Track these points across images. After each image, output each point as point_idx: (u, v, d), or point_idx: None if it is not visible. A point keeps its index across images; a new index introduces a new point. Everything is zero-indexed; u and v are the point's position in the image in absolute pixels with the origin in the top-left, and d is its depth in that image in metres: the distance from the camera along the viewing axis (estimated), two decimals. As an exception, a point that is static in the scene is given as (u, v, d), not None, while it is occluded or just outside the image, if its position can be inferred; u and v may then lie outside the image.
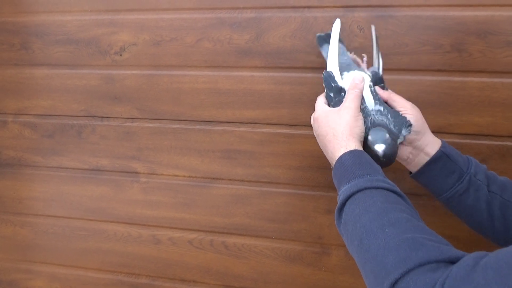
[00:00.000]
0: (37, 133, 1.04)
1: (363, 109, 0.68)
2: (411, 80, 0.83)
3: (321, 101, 0.72)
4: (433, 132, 0.84)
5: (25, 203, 1.08)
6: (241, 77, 0.91)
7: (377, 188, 0.56)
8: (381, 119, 0.67)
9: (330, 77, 0.72)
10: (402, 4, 0.81)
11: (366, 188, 0.56)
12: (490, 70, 0.80)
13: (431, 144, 0.69)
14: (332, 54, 0.73)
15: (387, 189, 0.57)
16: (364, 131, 0.66)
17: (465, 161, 0.68)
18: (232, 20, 0.89)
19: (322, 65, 0.86)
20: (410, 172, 0.72)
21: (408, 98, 0.83)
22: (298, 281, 0.95)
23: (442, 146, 0.68)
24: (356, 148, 0.63)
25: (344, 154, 0.62)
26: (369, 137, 0.65)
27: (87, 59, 0.98)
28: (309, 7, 0.85)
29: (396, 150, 0.66)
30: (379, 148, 0.63)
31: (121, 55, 0.96)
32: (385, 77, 0.84)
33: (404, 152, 0.70)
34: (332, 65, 0.73)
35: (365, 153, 0.62)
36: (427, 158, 0.68)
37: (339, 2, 0.84)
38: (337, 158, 0.62)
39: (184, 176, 0.98)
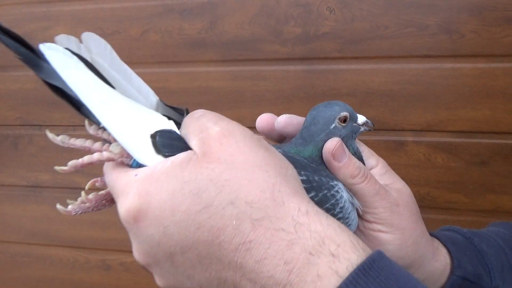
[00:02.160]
0: (-31, 146, 0.91)
1: None
2: (393, 69, 0.70)
3: (123, 173, 0.28)
4: (421, 131, 0.71)
5: (-40, 227, 0.95)
6: (194, 73, 0.78)
7: None
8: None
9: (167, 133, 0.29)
10: (379, -21, 0.68)
11: None
12: (487, 53, 0.66)
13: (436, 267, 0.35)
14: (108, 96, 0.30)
15: None
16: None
17: (485, 268, 0.38)
18: (181, 7, 0.76)
19: (289, 56, 0.73)
20: None
21: (390, 91, 0.70)
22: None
23: (455, 265, 0.35)
24: (358, 243, 0.24)
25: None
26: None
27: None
28: (269, -13, 0.72)
29: None
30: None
31: (57, 52, 0.83)
32: (363, 66, 0.71)
33: None
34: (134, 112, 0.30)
35: (385, 256, 0.24)
36: None
37: (304, -20, 0.71)
38: None
39: (135, 191, 0.84)
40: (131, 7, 0.78)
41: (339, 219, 0.30)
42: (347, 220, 0.31)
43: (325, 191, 0.30)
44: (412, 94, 0.69)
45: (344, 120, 0.34)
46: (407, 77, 0.69)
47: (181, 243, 0.24)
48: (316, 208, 0.25)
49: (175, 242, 0.24)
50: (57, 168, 0.32)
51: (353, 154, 0.34)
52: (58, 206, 0.32)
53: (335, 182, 0.32)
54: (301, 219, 0.23)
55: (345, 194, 0.32)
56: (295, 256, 0.22)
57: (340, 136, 0.34)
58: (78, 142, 0.32)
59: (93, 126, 0.32)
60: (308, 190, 0.28)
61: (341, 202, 0.31)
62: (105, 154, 0.30)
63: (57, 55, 0.29)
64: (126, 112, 0.28)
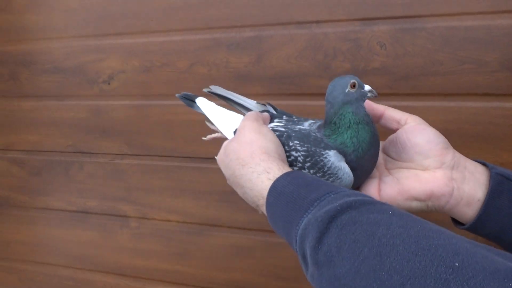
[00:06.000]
0: (24, 170, 0.95)
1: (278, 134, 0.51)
2: (448, 107, 0.66)
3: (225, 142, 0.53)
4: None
5: (12, 247, 0.99)
6: (240, 107, 0.77)
7: (369, 204, 0.35)
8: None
9: None
10: (434, 13, 0.65)
11: (352, 207, 0.34)
12: (555, 92, 0.61)
13: (471, 179, 0.45)
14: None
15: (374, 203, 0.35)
16: (283, 148, 0.49)
17: None
18: (229, 41, 0.76)
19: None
20: (456, 221, 0.48)
21: (445, 130, 0.66)
22: None
23: (490, 167, 0.46)
24: (285, 168, 0.43)
25: (278, 180, 0.41)
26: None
27: (75, 89, 0.88)
28: (318, 21, 0.71)
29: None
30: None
31: (109, 83, 0.85)
32: (415, 103, 0.67)
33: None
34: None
35: (305, 172, 0.45)
36: (476, 203, 0.44)
37: (354, 14, 0.69)
38: (266, 191, 0.41)
39: (178, 222, 0.84)
40: (180, 41, 0.79)
41: (329, 174, 0.47)
42: (335, 176, 0.47)
43: (316, 157, 0.48)
44: (470, 134, 0.65)
45: (353, 85, 0.48)
46: (464, 116, 0.65)
47: (227, 173, 0.50)
48: (276, 159, 0.45)
49: (226, 173, 0.50)
50: (203, 138, 0.63)
51: (363, 115, 0.48)
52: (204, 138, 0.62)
53: (326, 151, 0.47)
54: (260, 160, 0.45)
55: (332, 159, 0.47)
56: (252, 176, 0.44)
57: (353, 98, 0.47)
58: (213, 131, 0.62)
59: (209, 124, 0.61)
60: (305, 157, 0.48)
61: (328, 164, 0.47)
62: (221, 135, 0.59)
63: (201, 100, 0.60)
64: (226, 119, 0.57)
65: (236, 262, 0.81)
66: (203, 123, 0.81)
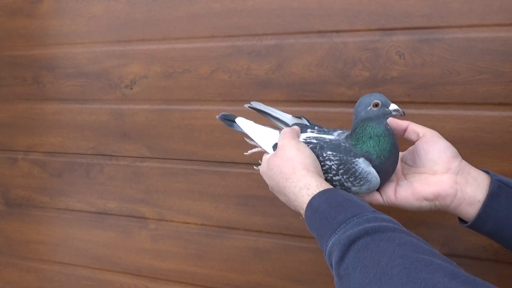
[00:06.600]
0: (45, 172, 0.97)
1: (311, 147, 0.58)
2: (465, 116, 0.68)
3: (265, 155, 0.61)
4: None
5: (32, 247, 1.01)
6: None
7: (383, 231, 0.42)
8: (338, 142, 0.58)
9: None
10: (452, 24, 0.67)
11: (368, 233, 0.42)
12: None
13: (472, 185, 0.52)
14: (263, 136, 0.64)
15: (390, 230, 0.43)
16: (318, 161, 0.56)
17: None
18: (250, 49, 0.78)
19: (355, 98, 0.73)
20: (462, 221, 0.55)
21: (462, 138, 0.68)
22: None
23: (492, 174, 0.53)
24: (322, 184, 0.51)
25: (314, 197, 0.49)
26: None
27: (97, 93, 0.91)
28: (338, 31, 0.73)
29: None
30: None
31: (131, 88, 0.88)
32: (433, 112, 0.69)
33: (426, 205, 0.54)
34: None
35: (338, 189, 0.50)
36: (473, 208, 0.52)
37: (373, 24, 0.71)
38: (305, 204, 0.50)
39: (196, 224, 0.86)
40: (202, 48, 0.82)
41: (360, 178, 0.54)
42: (365, 180, 0.54)
43: (348, 165, 0.54)
44: (486, 142, 0.67)
45: (376, 105, 0.53)
46: (481, 125, 0.67)
47: (271, 185, 0.58)
48: (314, 174, 0.52)
49: (270, 184, 0.58)
50: (245, 153, 0.68)
51: (383, 130, 0.54)
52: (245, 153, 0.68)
53: (356, 159, 0.54)
54: (301, 177, 0.52)
55: (362, 165, 0.54)
56: (295, 190, 0.52)
57: (373, 115, 0.54)
58: (252, 146, 0.70)
59: (248, 139, 0.67)
60: (338, 165, 0.55)
61: (359, 170, 0.54)
62: (260, 150, 0.65)
63: (240, 120, 0.65)
64: (264, 135, 0.63)
65: (253, 265, 0.82)
66: (223, 128, 0.83)
